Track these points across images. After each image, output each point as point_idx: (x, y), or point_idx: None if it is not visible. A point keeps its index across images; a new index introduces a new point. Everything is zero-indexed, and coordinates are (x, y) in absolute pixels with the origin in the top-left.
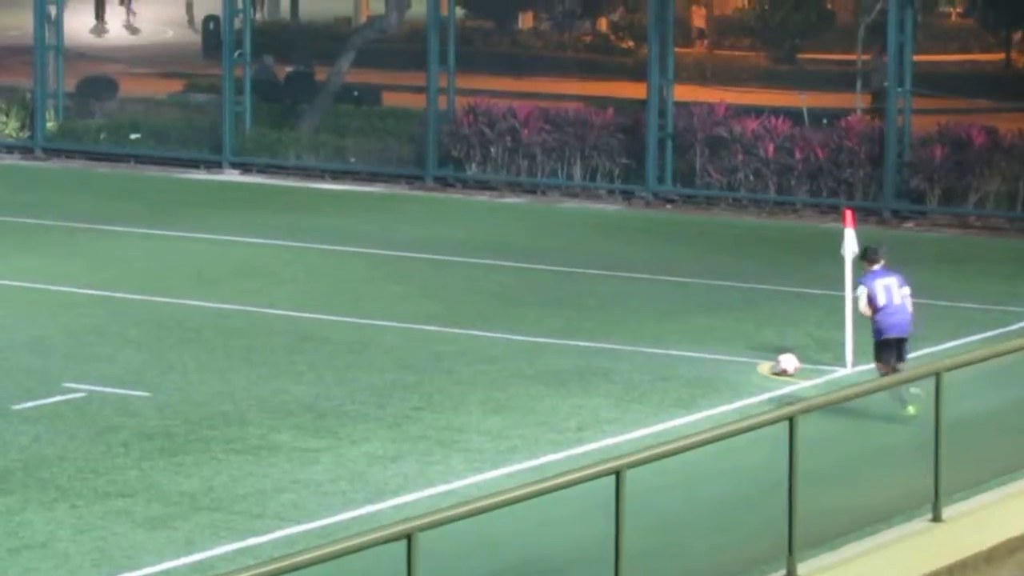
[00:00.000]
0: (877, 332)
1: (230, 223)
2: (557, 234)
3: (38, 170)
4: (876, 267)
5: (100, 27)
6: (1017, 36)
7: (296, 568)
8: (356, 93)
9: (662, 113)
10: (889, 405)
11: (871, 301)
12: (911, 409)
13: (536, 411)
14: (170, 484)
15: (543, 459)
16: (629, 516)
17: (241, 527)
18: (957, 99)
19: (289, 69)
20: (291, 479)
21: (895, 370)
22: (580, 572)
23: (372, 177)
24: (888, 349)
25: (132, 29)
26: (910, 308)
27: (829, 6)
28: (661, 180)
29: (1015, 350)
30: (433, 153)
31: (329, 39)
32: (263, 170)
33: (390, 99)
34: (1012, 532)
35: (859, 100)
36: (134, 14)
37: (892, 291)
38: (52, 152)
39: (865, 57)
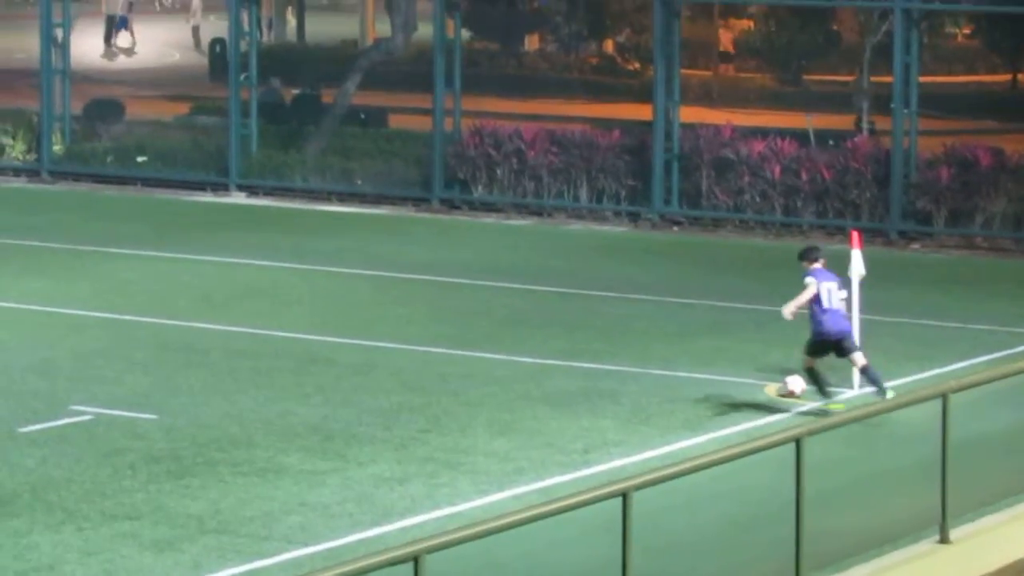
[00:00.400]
0: (818, 333)
1: (236, 245)
2: (563, 256)
3: (45, 193)
4: (816, 266)
5: (109, 51)
6: None
7: None
8: (362, 115)
9: (668, 135)
10: (890, 425)
11: (816, 298)
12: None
13: (543, 433)
14: (177, 506)
15: (550, 481)
16: (636, 538)
17: (248, 550)
18: (963, 120)
19: (295, 91)
20: (298, 501)
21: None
22: None
23: (378, 199)
24: (824, 349)
25: (129, 52)
26: (844, 311)
27: (835, 27)
28: (667, 202)
29: (1022, 371)
30: (439, 175)
31: (335, 61)
32: (269, 192)
33: (396, 121)
34: (1020, 553)
35: (867, 121)
36: (127, 35)
37: (832, 294)
38: (59, 175)
39: (872, 78)
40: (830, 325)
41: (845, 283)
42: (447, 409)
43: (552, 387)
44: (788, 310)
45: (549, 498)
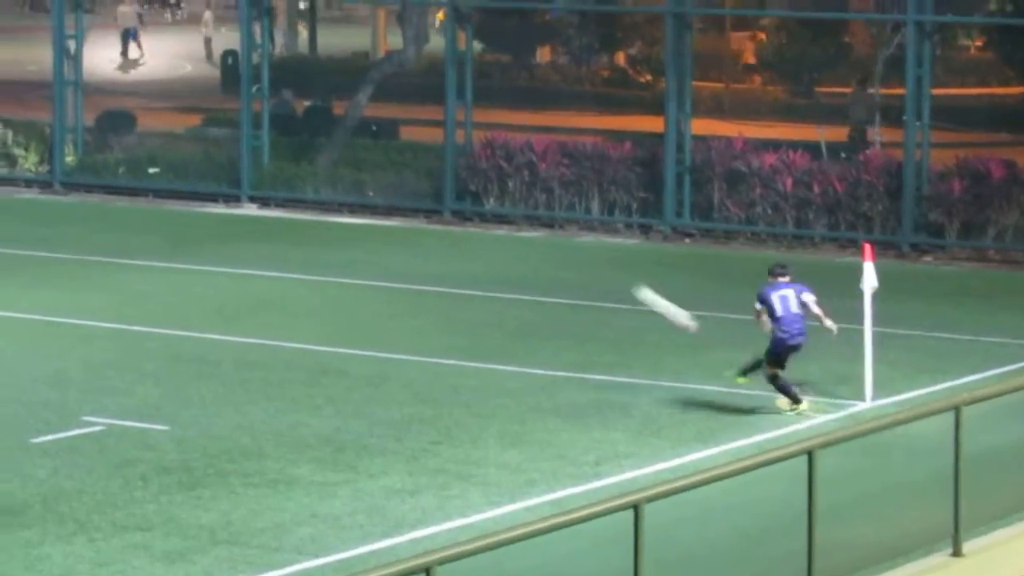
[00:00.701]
0: (776, 342)
1: (248, 257)
2: (575, 268)
3: (57, 204)
4: (780, 280)
5: (123, 62)
6: None
7: None
8: (374, 127)
9: (680, 147)
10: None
11: (770, 313)
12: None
13: (554, 445)
14: (188, 517)
15: (561, 493)
16: (648, 550)
17: (259, 561)
18: (976, 132)
19: (307, 103)
20: (309, 513)
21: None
22: None
23: (390, 211)
24: (784, 357)
25: (138, 64)
26: (816, 311)
27: (847, 39)
28: (679, 214)
29: None
30: (451, 187)
31: (347, 73)
32: (281, 204)
33: (408, 133)
34: None
35: (877, 134)
36: (136, 46)
37: (789, 301)
38: (71, 186)
39: (884, 91)
40: (786, 332)
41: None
42: (458, 421)
43: (563, 399)
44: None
45: (560, 510)
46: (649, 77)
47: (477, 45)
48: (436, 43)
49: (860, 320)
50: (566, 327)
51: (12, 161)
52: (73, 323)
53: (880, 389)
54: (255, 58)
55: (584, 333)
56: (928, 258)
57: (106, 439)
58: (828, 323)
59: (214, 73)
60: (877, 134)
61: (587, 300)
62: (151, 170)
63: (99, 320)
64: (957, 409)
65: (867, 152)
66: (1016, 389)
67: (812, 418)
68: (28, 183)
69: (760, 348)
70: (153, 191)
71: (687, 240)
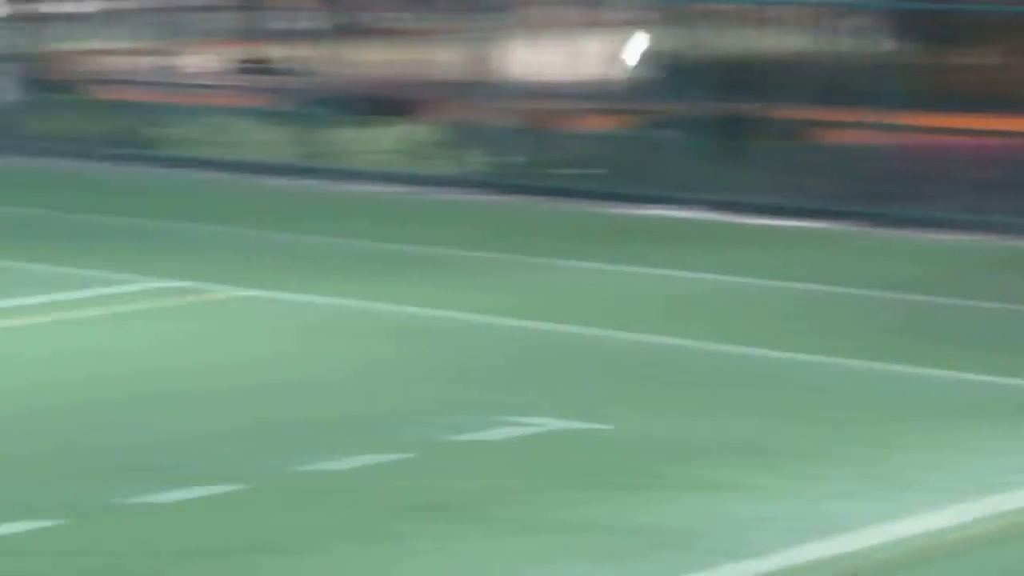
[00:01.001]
0: None
1: (694, 259)
2: (1007, 272)
3: (475, 205)
4: None
5: (548, 62)
6: None
7: None
8: (798, 128)
9: None
10: None
11: None
12: None
13: (986, 453)
14: (622, 520)
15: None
16: None
17: (700, 562)
18: None
19: (738, 105)
20: (746, 516)
21: None
22: None
23: (815, 214)
24: None
25: (575, 63)
26: None
27: None
28: None
29: None
30: (877, 191)
31: (783, 75)
32: (710, 206)
33: (836, 136)
34: None
35: None
36: (572, 50)
37: None
38: (479, 186)
39: None
40: None
41: None
42: (895, 426)
43: (991, 406)
44: None
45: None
46: None
47: (905, 45)
48: (866, 45)
49: None
50: (998, 332)
51: (426, 162)
52: (496, 322)
53: None
54: (687, 59)
55: (1015, 339)
56: None
57: (536, 439)
58: None
59: (647, 74)
60: None
61: (1018, 304)
62: (577, 171)
63: (528, 320)
64: None
65: None
66: None
67: None
68: (438, 183)
69: None
70: (580, 192)
71: None
